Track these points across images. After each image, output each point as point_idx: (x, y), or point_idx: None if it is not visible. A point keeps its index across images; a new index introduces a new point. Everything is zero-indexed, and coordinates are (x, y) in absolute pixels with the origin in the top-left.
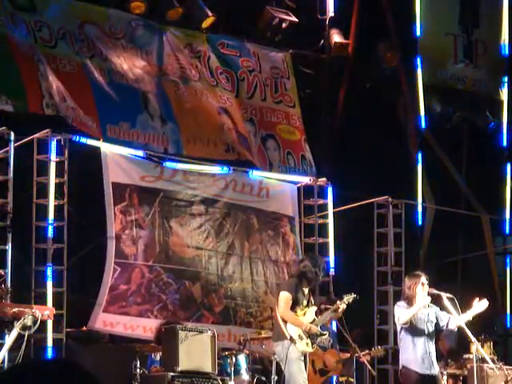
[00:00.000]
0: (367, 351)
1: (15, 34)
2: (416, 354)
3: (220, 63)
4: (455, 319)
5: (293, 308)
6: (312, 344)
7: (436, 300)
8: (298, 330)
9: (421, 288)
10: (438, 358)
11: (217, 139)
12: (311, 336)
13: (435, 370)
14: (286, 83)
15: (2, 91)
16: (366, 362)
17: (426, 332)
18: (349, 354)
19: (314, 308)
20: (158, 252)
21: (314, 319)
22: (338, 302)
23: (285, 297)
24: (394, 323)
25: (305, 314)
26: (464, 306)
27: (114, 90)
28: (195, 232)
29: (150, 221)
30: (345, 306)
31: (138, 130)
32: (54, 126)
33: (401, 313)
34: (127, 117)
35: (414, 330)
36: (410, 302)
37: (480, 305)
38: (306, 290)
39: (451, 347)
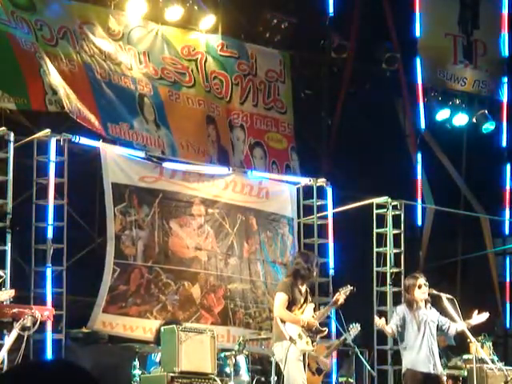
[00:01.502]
0: (337, 294)
1: (16, 32)
2: (421, 355)
3: (216, 66)
4: (455, 325)
5: (290, 307)
6: (312, 342)
7: (436, 301)
8: (298, 330)
9: (419, 290)
10: (440, 356)
11: (204, 149)
12: (311, 333)
13: (438, 369)
14: (280, 88)
15: (4, 89)
16: (350, 340)
17: (429, 332)
18: (335, 341)
19: (312, 305)
20: (158, 253)
21: (313, 316)
22: (337, 295)
23: (280, 297)
24: None
25: (303, 311)
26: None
27: (112, 91)
28: (195, 233)
29: (149, 221)
30: (343, 299)
31: (137, 130)
32: (54, 126)
33: (391, 323)
34: (126, 117)
35: (416, 331)
36: (410, 305)
37: (480, 317)
38: (303, 288)
39: (449, 345)
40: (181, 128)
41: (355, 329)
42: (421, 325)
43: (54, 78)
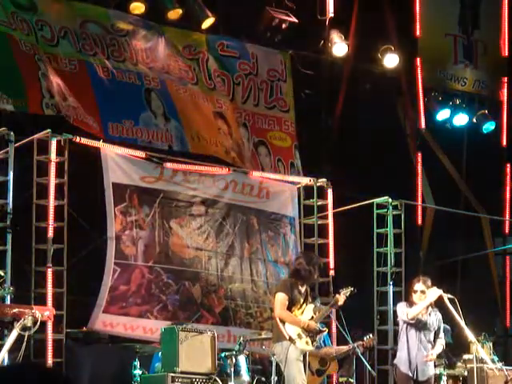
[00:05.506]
0: (360, 342)
1: (16, 34)
2: (403, 354)
3: (218, 66)
4: (442, 342)
5: (290, 307)
6: (312, 342)
7: (437, 301)
8: (297, 329)
9: (414, 295)
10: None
11: (217, 141)
12: (311, 333)
13: (420, 376)
14: (282, 87)
15: (3, 91)
16: (359, 352)
17: (415, 336)
18: (344, 348)
19: (312, 305)
20: (158, 253)
21: (312, 316)
22: (337, 296)
23: (280, 297)
24: (395, 324)
25: (302, 312)
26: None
27: (116, 88)
28: (195, 233)
29: (150, 221)
30: (343, 300)
31: (142, 127)
32: (54, 126)
33: (408, 309)
34: (130, 114)
35: (410, 332)
36: (410, 305)
37: None
38: (303, 289)
39: (447, 344)
40: (191, 121)
41: (371, 340)
42: (408, 326)
43: (52, 80)
